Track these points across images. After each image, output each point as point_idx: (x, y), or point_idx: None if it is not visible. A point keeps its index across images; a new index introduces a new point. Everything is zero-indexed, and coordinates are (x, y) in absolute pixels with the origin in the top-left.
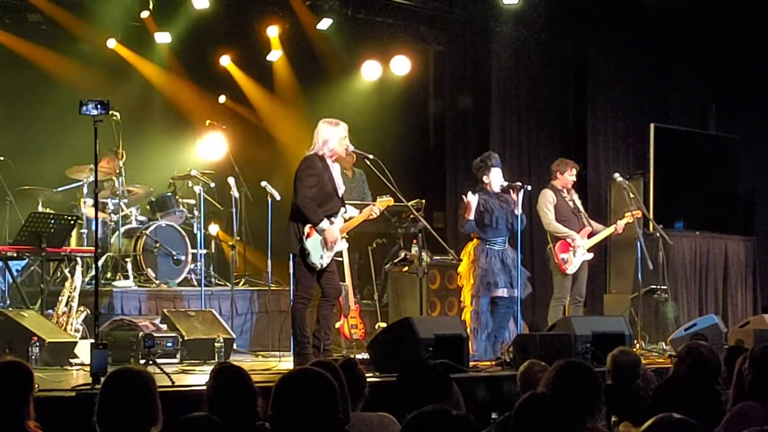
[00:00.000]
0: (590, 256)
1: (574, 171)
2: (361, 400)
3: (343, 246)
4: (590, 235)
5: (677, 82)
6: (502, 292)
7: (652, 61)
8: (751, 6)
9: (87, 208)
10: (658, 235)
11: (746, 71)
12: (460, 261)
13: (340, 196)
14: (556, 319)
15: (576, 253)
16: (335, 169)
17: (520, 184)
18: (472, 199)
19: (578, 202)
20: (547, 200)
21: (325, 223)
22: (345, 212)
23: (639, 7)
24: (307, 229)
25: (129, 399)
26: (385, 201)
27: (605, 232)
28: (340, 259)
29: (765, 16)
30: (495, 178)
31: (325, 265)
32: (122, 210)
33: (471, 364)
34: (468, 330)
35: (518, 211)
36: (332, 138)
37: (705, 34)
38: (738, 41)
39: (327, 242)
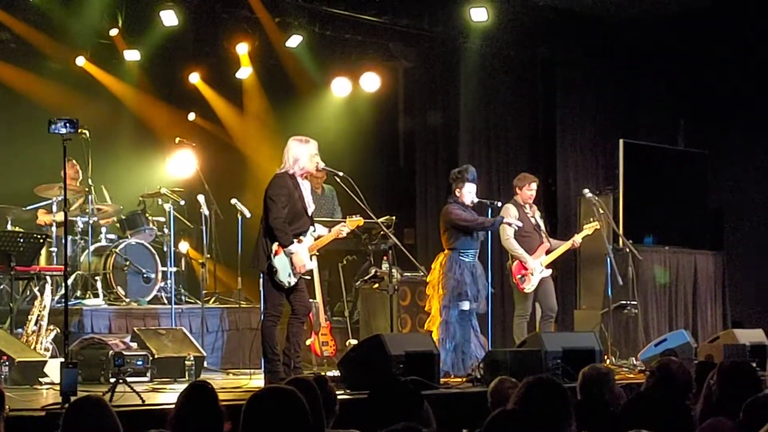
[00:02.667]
0: (548, 272)
1: (534, 185)
2: (332, 418)
3: (312, 265)
4: (548, 252)
5: (646, 97)
6: (466, 305)
7: (620, 77)
8: (718, 23)
9: (43, 216)
10: (627, 250)
11: (714, 87)
12: (428, 273)
13: (310, 214)
14: (521, 336)
15: (533, 272)
16: (305, 188)
17: (489, 201)
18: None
19: (540, 219)
20: (508, 216)
21: (294, 246)
22: (314, 231)
23: (607, 24)
24: (275, 247)
25: (91, 428)
26: (354, 220)
27: (562, 248)
28: (308, 277)
29: (732, 33)
30: (468, 193)
31: (293, 284)
32: (85, 217)
33: (442, 380)
34: (435, 340)
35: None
36: (303, 156)
37: (673, 51)
38: (706, 57)
39: (295, 267)
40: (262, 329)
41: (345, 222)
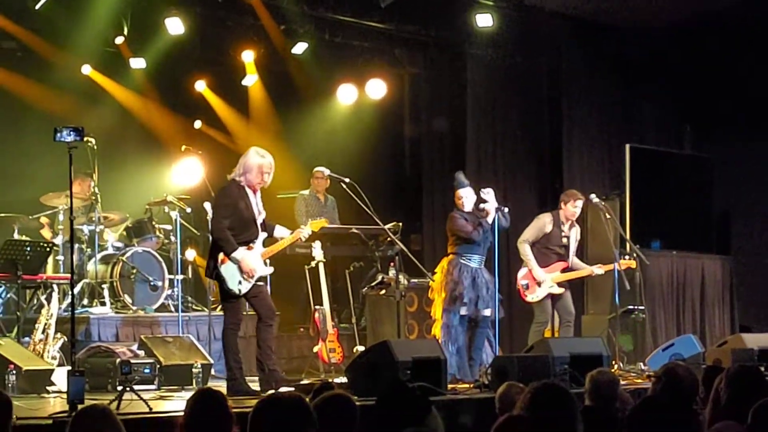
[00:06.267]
0: (559, 290)
1: (579, 203)
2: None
3: (266, 271)
4: (565, 270)
5: (652, 102)
6: (463, 310)
7: (626, 82)
8: (725, 29)
9: (45, 232)
10: (634, 255)
11: (720, 92)
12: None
13: (259, 222)
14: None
15: (541, 284)
16: (254, 196)
17: (495, 205)
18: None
19: (574, 240)
20: (539, 227)
21: (239, 253)
22: (266, 237)
23: (612, 30)
24: (220, 256)
25: None
26: (317, 222)
27: (582, 272)
28: (261, 283)
29: (738, 38)
30: (466, 198)
31: (244, 291)
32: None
33: (449, 386)
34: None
35: (503, 219)
36: (252, 169)
37: (679, 56)
38: (711, 63)
39: (243, 273)
40: (223, 338)
41: (304, 226)
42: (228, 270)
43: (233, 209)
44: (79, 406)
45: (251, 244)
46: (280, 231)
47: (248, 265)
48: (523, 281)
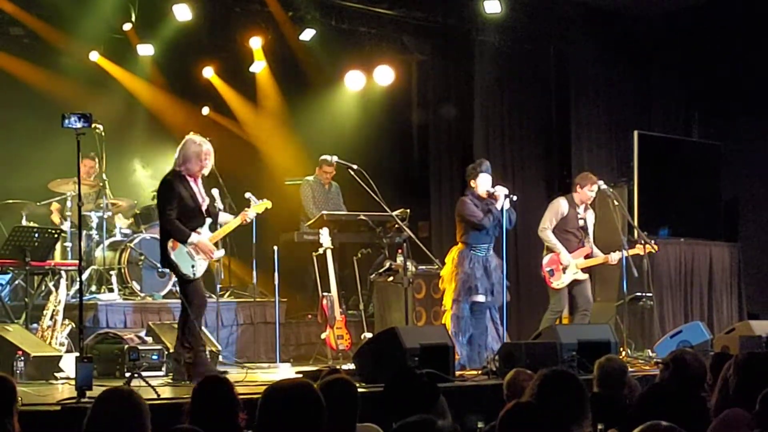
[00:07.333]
0: (584, 276)
1: (595, 187)
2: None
3: (219, 254)
4: (588, 256)
5: (660, 89)
6: (480, 297)
7: (634, 69)
8: (733, 15)
9: (54, 217)
10: (642, 242)
11: (728, 78)
12: (443, 266)
13: (204, 209)
14: None
15: (566, 269)
16: (196, 184)
17: (506, 191)
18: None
19: (590, 223)
20: (555, 209)
21: (194, 237)
22: (210, 222)
23: (621, 16)
24: (170, 243)
25: (120, 421)
26: (261, 204)
27: (598, 260)
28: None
29: (747, 25)
30: (482, 183)
31: (198, 275)
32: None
33: (457, 373)
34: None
35: (508, 218)
36: (191, 158)
37: (687, 43)
38: (720, 49)
39: (204, 254)
40: (187, 321)
41: (248, 208)
42: (179, 255)
43: (178, 200)
44: (88, 393)
45: (198, 230)
46: (223, 216)
47: (206, 246)
48: (548, 267)
